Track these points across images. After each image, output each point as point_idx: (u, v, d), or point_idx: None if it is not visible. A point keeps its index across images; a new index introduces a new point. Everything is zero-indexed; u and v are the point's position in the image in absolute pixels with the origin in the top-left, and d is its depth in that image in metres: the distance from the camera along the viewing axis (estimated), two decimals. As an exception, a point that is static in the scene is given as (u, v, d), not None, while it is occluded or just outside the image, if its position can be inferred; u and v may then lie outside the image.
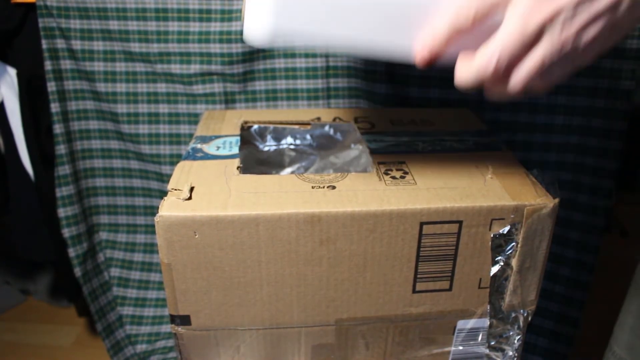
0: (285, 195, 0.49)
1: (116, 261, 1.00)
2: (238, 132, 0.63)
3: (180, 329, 0.52)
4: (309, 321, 0.53)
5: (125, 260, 1.00)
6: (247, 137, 0.69)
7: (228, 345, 0.54)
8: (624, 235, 1.51)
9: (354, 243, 0.49)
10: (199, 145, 0.59)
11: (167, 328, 1.02)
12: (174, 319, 0.52)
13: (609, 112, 0.83)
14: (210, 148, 0.59)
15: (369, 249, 0.49)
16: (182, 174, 0.52)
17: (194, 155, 0.57)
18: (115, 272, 1.01)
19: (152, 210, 0.98)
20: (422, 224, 0.48)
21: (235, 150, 0.58)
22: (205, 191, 0.49)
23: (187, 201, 0.48)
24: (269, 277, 0.50)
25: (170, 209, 0.47)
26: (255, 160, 0.70)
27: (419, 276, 0.51)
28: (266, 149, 0.71)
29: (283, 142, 0.71)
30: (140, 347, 1.02)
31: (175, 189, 0.49)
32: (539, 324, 0.94)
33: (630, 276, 0.61)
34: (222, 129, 0.65)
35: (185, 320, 0.52)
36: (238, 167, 0.53)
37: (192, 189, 0.49)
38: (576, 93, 0.84)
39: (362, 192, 0.50)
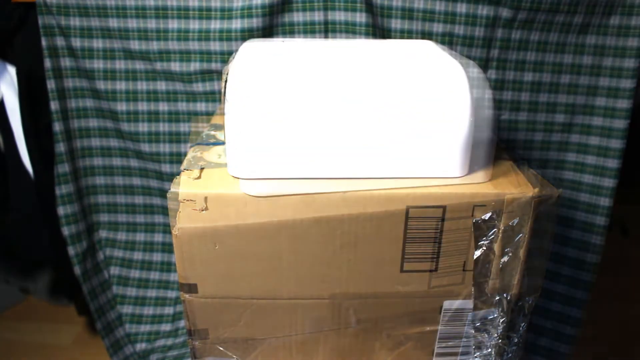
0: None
1: (116, 260, 1.00)
2: None
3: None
4: (305, 294, 0.55)
5: (125, 259, 1.00)
6: None
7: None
8: (624, 233, 1.50)
9: (344, 222, 0.51)
10: (199, 154, 0.59)
11: (166, 327, 1.02)
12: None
13: (609, 111, 0.83)
14: (211, 156, 0.58)
15: (359, 229, 0.51)
16: (191, 184, 0.51)
17: (197, 164, 0.56)
18: (114, 270, 1.01)
19: (152, 209, 0.98)
20: (408, 208, 0.51)
21: None
22: (220, 201, 0.49)
23: (204, 212, 0.47)
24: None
25: (188, 220, 0.46)
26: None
27: (406, 256, 0.54)
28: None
29: None
30: (140, 346, 1.02)
31: (188, 200, 0.48)
32: (540, 323, 0.94)
33: (632, 274, 0.61)
34: (217, 134, 0.65)
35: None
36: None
37: (205, 198, 0.49)
38: (577, 92, 0.84)
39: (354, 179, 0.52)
